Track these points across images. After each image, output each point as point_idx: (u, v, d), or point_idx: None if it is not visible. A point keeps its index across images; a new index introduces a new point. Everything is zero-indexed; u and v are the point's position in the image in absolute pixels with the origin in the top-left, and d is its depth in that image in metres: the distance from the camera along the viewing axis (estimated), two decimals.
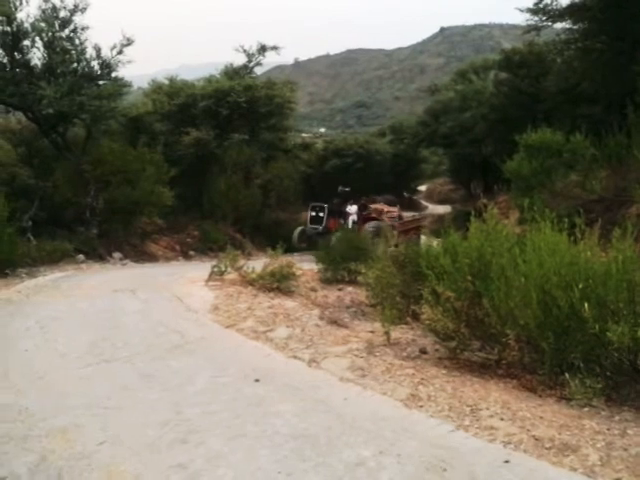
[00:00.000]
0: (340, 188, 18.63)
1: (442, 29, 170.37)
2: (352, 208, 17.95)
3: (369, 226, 16.95)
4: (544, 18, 19.44)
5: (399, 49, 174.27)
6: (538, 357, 4.65)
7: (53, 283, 10.38)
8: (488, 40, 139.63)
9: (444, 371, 5.13)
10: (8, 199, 12.01)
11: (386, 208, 20.32)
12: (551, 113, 20.82)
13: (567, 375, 4.33)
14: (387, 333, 6.07)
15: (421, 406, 4.29)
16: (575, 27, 19.28)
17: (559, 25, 20.19)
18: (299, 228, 18.01)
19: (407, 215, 22.54)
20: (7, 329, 6.81)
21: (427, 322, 5.44)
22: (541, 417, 4.00)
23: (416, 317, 6.17)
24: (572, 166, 14.51)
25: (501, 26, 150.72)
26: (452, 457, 3.43)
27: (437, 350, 5.75)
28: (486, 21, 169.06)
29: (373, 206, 19.86)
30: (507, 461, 3.39)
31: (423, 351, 5.78)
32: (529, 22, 20.12)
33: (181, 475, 3.26)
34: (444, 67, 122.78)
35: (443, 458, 3.41)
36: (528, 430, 3.80)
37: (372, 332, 6.70)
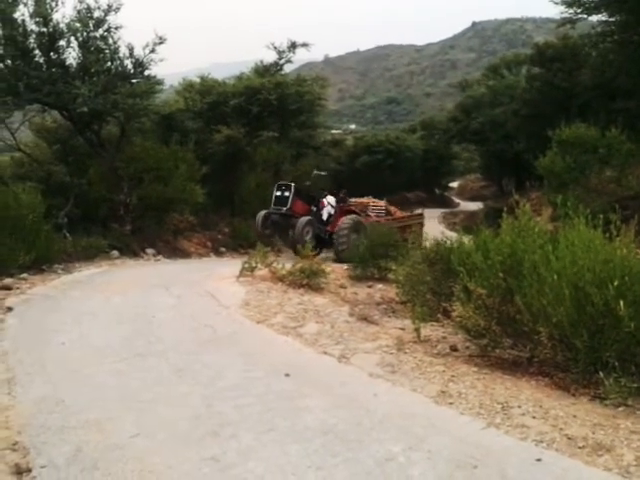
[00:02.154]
0: (315, 172, 17.06)
1: (474, 24, 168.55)
2: (329, 199, 16.20)
3: (345, 220, 15.40)
4: (579, 10, 19.13)
5: (430, 44, 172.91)
6: (571, 355, 4.58)
7: (88, 279, 10.58)
8: (521, 34, 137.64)
9: (475, 368, 5.09)
10: (44, 196, 12.28)
11: (372, 202, 18.99)
12: (585, 108, 20.46)
13: (601, 374, 4.26)
14: (417, 330, 6.05)
15: (451, 403, 4.28)
16: (612, 19, 18.91)
17: (595, 17, 19.84)
18: (262, 212, 15.44)
19: (403, 212, 20.41)
20: (44, 323, 6.97)
21: (458, 319, 5.41)
22: (574, 416, 3.95)
23: (447, 314, 6.13)
24: (607, 162, 14.28)
25: (534, 20, 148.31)
26: (483, 454, 3.41)
27: (468, 347, 5.71)
28: (519, 15, 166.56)
29: (358, 200, 18.47)
30: (539, 460, 3.36)
31: (454, 348, 5.75)
32: (563, 15, 19.81)
33: (213, 468, 3.31)
34: (476, 62, 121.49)
35: (474, 455, 3.40)
36: (561, 429, 3.75)
37: (402, 329, 6.69)
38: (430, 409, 4.20)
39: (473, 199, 45.39)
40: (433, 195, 47.59)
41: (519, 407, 4.13)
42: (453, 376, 4.85)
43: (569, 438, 3.62)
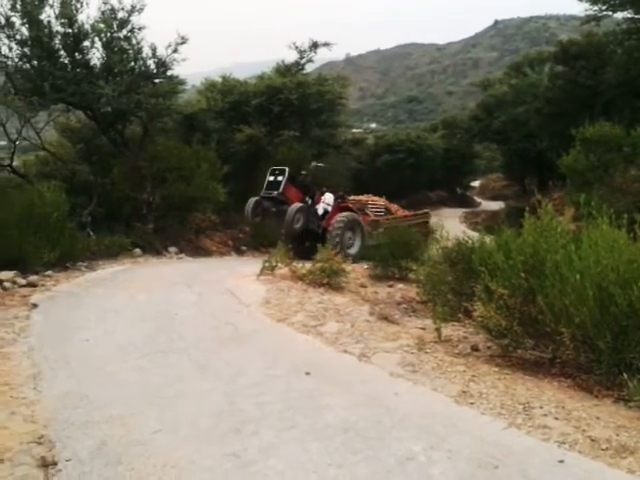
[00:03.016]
0: (313, 164, 16.13)
1: (496, 22, 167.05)
2: (327, 196, 15.23)
3: (340, 217, 14.56)
4: (604, 7, 18.91)
5: (451, 43, 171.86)
6: (595, 356, 4.54)
7: (111, 276, 10.71)
8: (544, 32, 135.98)
9: (496, 368, 5.06)
10: (68, 195, 12.45)
11: (370, 200, 18.35)
12: (610, 106, 20.20)
13: (625, 375, 4.21)
14: (438, 330, 6.03)
15: (472, 403, 4.26)
16: (637, 16, 18.65)
17: (620, 14, 19.59)
18: (253, 198, 14.46)
19: (406, 211, 19.55)
20: (68, 320, 7.08)
21: (479, 319, 5.38)
22: (597, 418, 3.91)
23: (468, 314, 6.10)
24: (632, 160, 14.08)
25: (558, 17, 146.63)
26: (504, 455, 3.40)
27: (489, 347, 5.69)
28: (542, 13, 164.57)
29: (356, 198, 17.75)
30: (561, 461, 3.33)
31: (475, 348, 5.72)
32: (588, 12, 19.60)
33: (234, 464, 3.34)
34: (498, 61, 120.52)
35: (495, 455, 3.38)
36: (584, 430, 3.72)
37: (423, 329, 6.68)
38: (451, 409, 4.19)
39: (495, 198, 45.05)
40: (454, 194, 47.28)
41: (541, 408, 4.10)
42: (474, 376, 4.82)
43: (592, 440, 3.58)
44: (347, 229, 14.51)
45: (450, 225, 17.53)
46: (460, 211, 37.37)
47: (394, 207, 18.95)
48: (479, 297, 5.49)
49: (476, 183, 55.06)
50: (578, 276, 4.56)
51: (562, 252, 4.93)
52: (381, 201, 18.60)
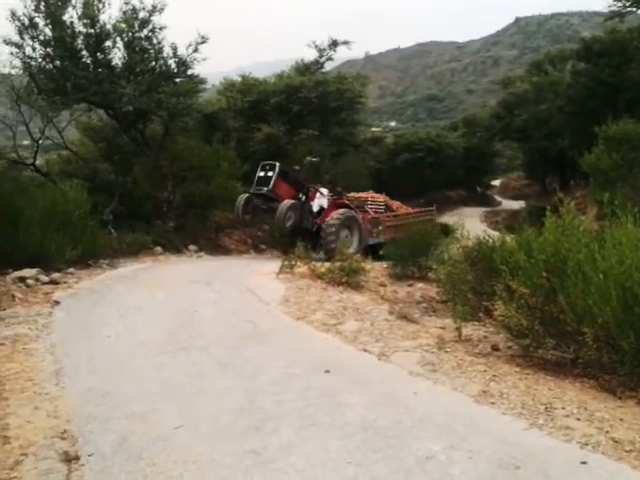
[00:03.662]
0: (307, 158, 15.23)
1: (517, 19, 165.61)
2: (323, 191, 14.59)
3: (335, 215, 13.77)
4: (628, 3, 18.66)
5: (472, 41, 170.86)
6: (618, 357, 4.47)
7: (132, 274, 10.79)
8: (566, 29, 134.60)
9: (517, 368, 5.02)
10: (90, 193, 12.59)
11: (370, 197, 17.47)
12: (633, 103, 19.95)
13: None
14: (458, 329, 6.00)
15: (493, 403, 4.23)
16: None
17: None
18: (244, 195, 13.88)
19: (408, 208, 18.60)
20: (90, 317, 7.16)
21: (500, 319, 5.34)
22: (621, 419, 3.86)
23: (488, 314, 6.05)
24: None
25: (581, 14, 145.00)
26: (525, 455, 3.37)
27: (510, 347, 5.63)
28: (564, 9, 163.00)
29: (355, 194, 16.96)
30: (584, 462, 3.29)
31: (495, 348, 5.68)
32: (611, 8, 19.37)
33: (254, 460, 3.36)
34: (519, 59, 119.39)
35: (516, 456, 3.35)
36: (607, 432, 3.67)
37: (443, 328, 6.64)
38: (471, 408, 4.16)
39: (515, 198, 44.74)
40: (475, 193, 46.98)
41: (563, 408, 4.06)
42: (495, 376, 4.79)
43: (615, 441, 3.54)
44: (343, 227, 13.76)
45: (470, 224, 17.36)
46: (480, 210, 37.17)
47: (395, 204, 18.05)
48: (500, 296, 5.45)
49: (496, 182, 54.68)
50: (601, 276, 4.50)
51: (585, 251, 4.87)
52: (381, 198, 17.74)
